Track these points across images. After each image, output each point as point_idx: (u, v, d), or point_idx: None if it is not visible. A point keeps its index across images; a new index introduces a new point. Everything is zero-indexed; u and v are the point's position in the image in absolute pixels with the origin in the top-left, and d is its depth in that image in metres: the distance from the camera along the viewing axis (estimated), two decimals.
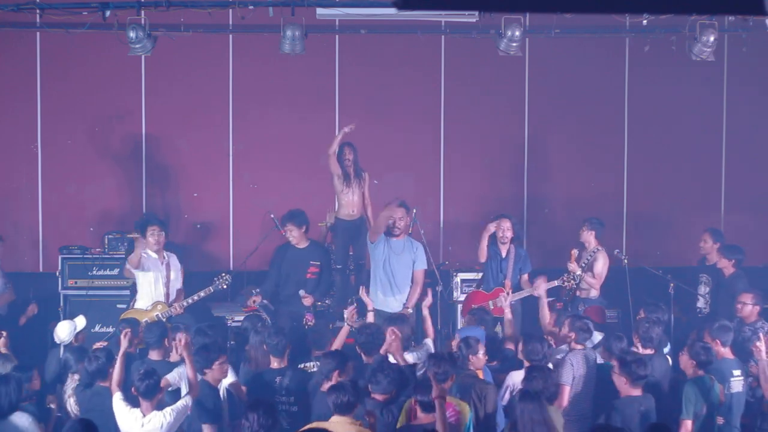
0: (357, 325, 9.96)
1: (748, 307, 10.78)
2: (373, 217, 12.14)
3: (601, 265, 11.70)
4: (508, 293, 11.15)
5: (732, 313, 10.97)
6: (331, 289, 11.90)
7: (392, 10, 10.73)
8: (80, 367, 9.30)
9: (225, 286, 11.39)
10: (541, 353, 9.07)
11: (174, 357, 9.70)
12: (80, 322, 10.33)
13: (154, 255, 11.31)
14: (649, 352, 9.60)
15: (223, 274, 11.42)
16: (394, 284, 11.16)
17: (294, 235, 11.41)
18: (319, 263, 11.49)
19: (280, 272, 11.49)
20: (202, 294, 11.28)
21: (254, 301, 11.49)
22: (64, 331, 10.19)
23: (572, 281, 11.46)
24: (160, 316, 11.04)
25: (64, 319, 11.09)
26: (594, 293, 11.71)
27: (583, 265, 11.68)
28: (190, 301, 11.22)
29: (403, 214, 11.17)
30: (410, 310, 10.96)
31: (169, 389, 9.12)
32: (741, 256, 11.91)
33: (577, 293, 11.72)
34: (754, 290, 11.11)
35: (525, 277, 11.80)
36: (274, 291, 11.55)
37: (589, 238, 11.89)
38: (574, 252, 11.83)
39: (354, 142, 12.23)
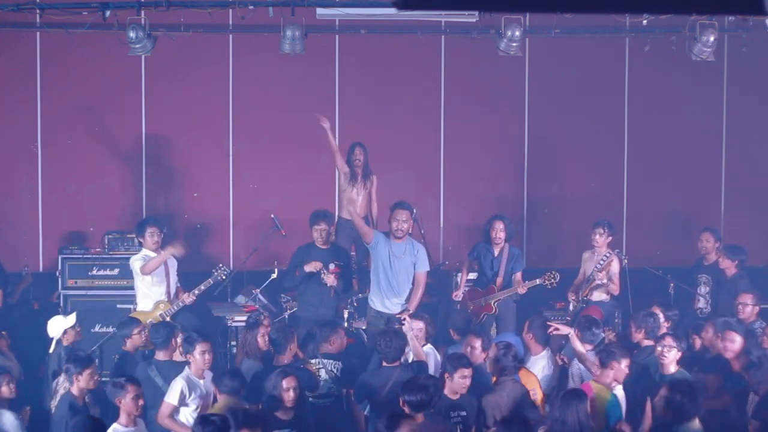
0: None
1: (748, 308, 10.79)
2: (379, 219, 12.15)
3: (617, 267, 11.67)
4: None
5: (733, 314, 10.98)
6: (350, 290, 11.84)
7: (392, 10, 10.72)
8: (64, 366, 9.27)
9: (223, 277, 11.39)
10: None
11: (177, 356, 9.73)
12: (70, 319, 10.34)
13: (154, 255, 11.31)
14: (650, 343, 9.79)
15: (220, 265, 11.42)
16: (395, 286, 11.13)
17: (323, 235, 11.38)
18: (341, 264, 11.44)
19: (295, 282, 11.45)
20: (202, 287, 11.28)
21: (254, 292, 11.57)
22: (55, 326, 10.24)
23: (553, 281, 11.45)
24: (164, 315, 11.04)
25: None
26: (606, 296, 11.68)
27: (597, 267, 11.64)
28: (192, 297, 11.21)
29: (407, 216, 11.10)
30: (411, 313, 10.94)
31: None
32: (744, 256, 11.92)
33: (591, 297, 11.69)
34: (752, 290, 11.12)
35: (518, 276, 11.79)
36: (291, 289, 11.62)
37: (605, 243, 11.80)
38: (589, 255, 11.88)
39: (362, 142, 12.25)
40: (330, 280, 11.23)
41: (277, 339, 9.67)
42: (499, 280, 11.69)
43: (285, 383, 8.58)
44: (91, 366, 8.93)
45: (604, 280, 11.53)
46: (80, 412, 8.63)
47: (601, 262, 11.61)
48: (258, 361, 9.81)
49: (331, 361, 9.77)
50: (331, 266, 11.31)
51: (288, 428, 8.52)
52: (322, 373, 9.63)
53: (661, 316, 10.30)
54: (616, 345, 9.30)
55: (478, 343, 9.70)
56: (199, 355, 9.21)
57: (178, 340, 9.94)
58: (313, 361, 9.74)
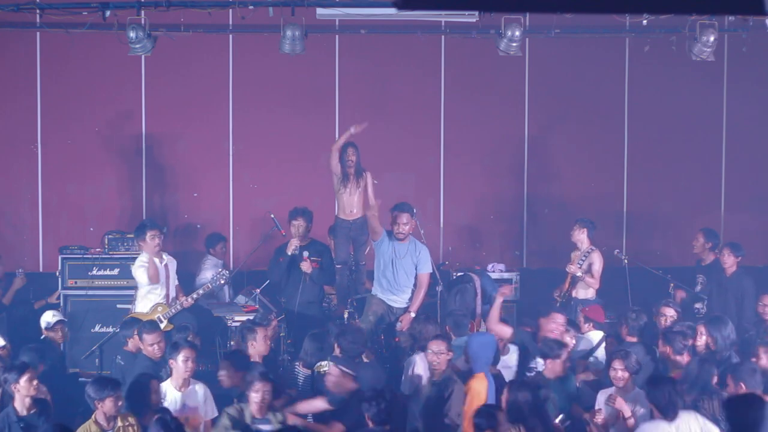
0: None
1: None
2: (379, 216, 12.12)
3: (598, 264, 11.70)
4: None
5: (732, 313, 11.02)
6: (332, 283, 11.95)
7: (392, 10, 10.74)
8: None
9: (222, 281, 11.43)
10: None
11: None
12: (53, 317, 10.37)
13: (155, 259, 11.28)
14: (633, 339, 9.89)
15: (221, 270, 11.47)
16: (396, 285, 11.15)
17: (300, 232, 11.50)
18: (319, 260, 11.58)
19: (281, 271, 11.57)
20: (201, 291, 11.30)
21: (254, 292, 11.62)
22: (45, 319, 10.27)
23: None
24: (161, 317, 11.03)
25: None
26: (591, 293, 11.70)
27: (580, 264, 11.67)
28: (191, 300, 11.21)
29: (407, 219, 11.09)
30: (412, 314, 10.95)
31: None
32: (743, 252, 11.91)
33: (573, 294, 11.70)
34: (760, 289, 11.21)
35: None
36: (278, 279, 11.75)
37: (581, 237, 11.87)
38: (575, 253, 11.85)
39: (354, 142, 12.23)
40: (305, 266, 11.42)
41: (240, 335, 9.66)
42: (478, 318, 11.39)
43: (154, 385, 8.58)
44: (27, 372, 8.51)
45: (578, 273, 11.57)
46: (17, 426, 8.31)
47: (584, 257, 11.66)
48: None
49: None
50: (305, 254, 11.50)
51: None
52: None
53: (675, 314, 10.34)
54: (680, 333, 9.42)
55: None
56: (182, 362, 8.94)
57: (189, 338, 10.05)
58: (323, 363, 9.71)
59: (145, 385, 8.55)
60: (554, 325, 9.78)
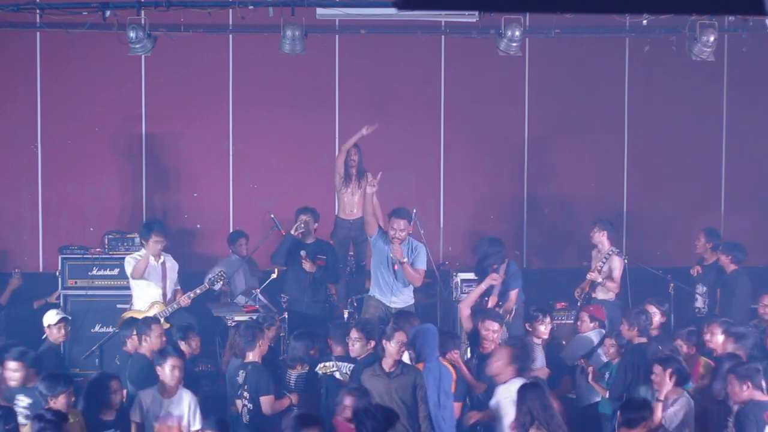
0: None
1: None
2: (382, 217, 12.12)
3: (618, 270, 11.64)
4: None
5: (731, 312, 11.03)
6: (338, 281, 12.00)
7: (392, 10, 10.74)
8: None
9: (220, 282, 11.44)
10: None
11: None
12: (54, 317, 10.39)
13: (152, 260, 11.29)
14: (643, 340, 9.85)
15: (219, 271, 11.48)
16: (393, 286, 11.13)
17: (306, 226, 11.58)
18: (325, 257, 11.62)
19: (282, 252, 11.64)
20: (198, 291, 11.30)
21: (254, 292, 11.62)
22: (46, 319, 10.33)
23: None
24: (158, 316, 11.03)
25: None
26: (611, 296, 11.65)
27: (600, 267, 11.63)
28: (187, 299, 11.21)
29: (404, 225, 10.94)
30: (405, 260, 10.87)
31: None
32: (738, 252, 11.86)
33: (593, 295, 11.67)
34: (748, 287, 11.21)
35: (512, 294, 11.28)
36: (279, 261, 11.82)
37: (602, 239, 11.82)
38: (595, 253, 11.86)
39: (357, 143, 12.25)
40: (307, 266, 11.47)
41: (245, 335, 9.54)
42: (494, 298, 11.17)
43: (114, 385, 8.52)
44: None
45: (599, 279, 11.54)
46: None
47: (604, 260, 11.65)
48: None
49: (346, 363, 9.74)
50: (302, 252, 11.55)
51: (112, 428, 8.45)
52: (337, 375, 9.61)
53: (657, 312, 10.32)
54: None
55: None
56: (169, 371, 8.75)
57: (193, 343, 10.07)
58: (327, 363, 9.68)
59: (104, 384, 8.49)
60: (486, 332, 9.80)
